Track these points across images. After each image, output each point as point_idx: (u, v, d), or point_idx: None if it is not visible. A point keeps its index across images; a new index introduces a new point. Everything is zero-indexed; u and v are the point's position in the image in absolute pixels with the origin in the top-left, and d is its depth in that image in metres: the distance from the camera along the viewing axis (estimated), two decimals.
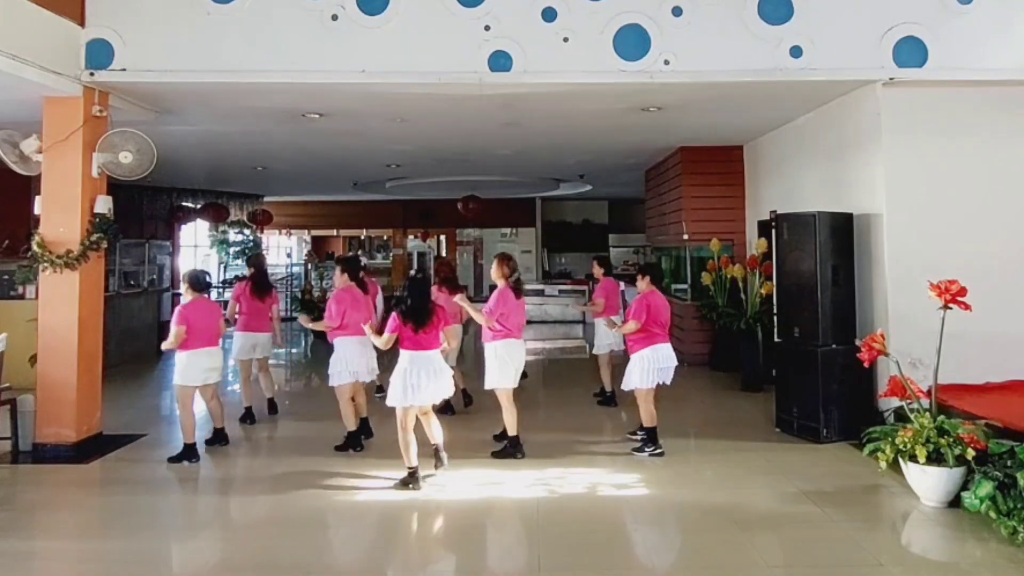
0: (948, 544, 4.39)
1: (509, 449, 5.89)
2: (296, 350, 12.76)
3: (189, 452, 5.89)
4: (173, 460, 5.86)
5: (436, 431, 5.50)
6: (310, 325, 6.55)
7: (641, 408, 6.02)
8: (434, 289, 6.80)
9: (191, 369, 5.89)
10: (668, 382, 6.09)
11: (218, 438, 6.32)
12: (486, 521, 4.79)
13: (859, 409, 6.15)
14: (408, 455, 5.18)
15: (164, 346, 5.92)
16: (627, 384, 6.08)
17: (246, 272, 8.39)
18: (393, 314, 5.28)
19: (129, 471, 5.74)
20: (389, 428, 6.00)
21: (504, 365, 5.89)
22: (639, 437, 6.16)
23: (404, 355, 5.22)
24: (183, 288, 6.22)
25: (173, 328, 5.79)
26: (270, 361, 7.87)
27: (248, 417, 7.18)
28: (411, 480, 5.18)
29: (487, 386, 6.02)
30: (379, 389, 7.36)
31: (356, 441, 6.16)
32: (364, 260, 9.90)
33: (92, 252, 6.00)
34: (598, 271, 8.13)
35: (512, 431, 5.92)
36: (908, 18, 6.05)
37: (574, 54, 6.06)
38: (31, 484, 5.52)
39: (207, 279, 6.32)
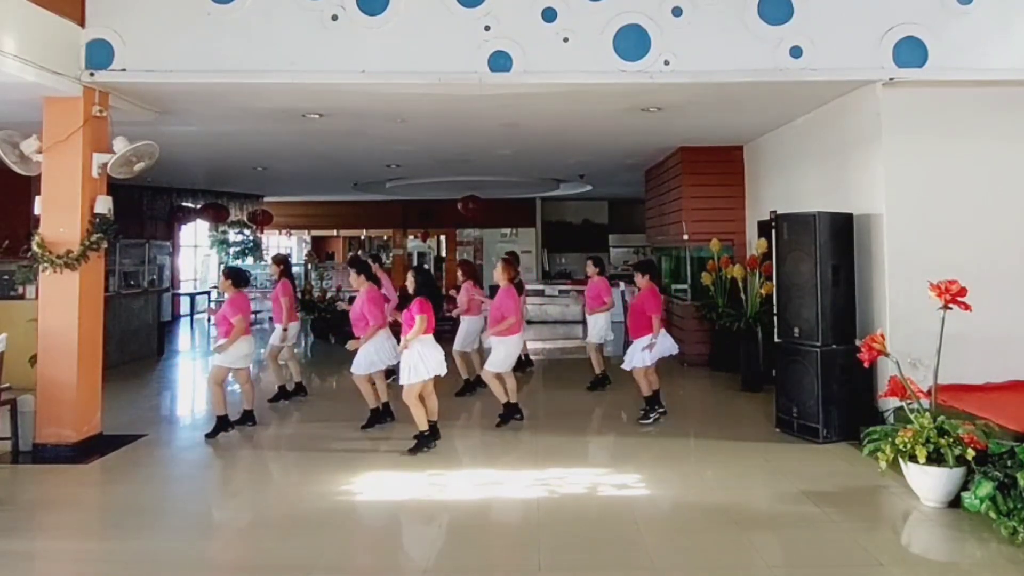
0: (948, 544, 4.39)
1: (507, 415, 6.77)
2: (297, 350, 12.76)
3: (223, 424, 6.59)
4: (210, 436, 6.48)
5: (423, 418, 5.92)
6: (359, 344, 6.72)
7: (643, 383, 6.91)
8: (468, 285, 8.18)
9: (234, 354, 6.61)
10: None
11: (247, 418, 6.82)
12: (486, 521, 4.79)
13: (859, 409, 6.15)
14: (421, 420, 5.93)
15: (224, 344, 6.54)
16: (634, 363, 6.88)
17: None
18: (422, 300, 5.89)
19: (129, 471, 5.74)
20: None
21: (511, 355, 6.78)
22: (653, 423, 6.86)
23: (421, 338, 5.83)
24: (225, 283, 6.82)
25: (238, 318, 6.53)
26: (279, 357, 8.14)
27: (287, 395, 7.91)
28: (432, 435, 5.99)
29: (495, 370, 6.68)
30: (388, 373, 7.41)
31: (387, 413, 6.78)
32: (383, 258, 10.53)
33: (92, 252, 6.00)
34: (592, 270, 8.81)
35: (514, 399, 6.83)
36: (908, 18, 6.05)
37: (574, 54, 6.06)
38: (31, 484, 5.52)
39: (247, 276, 7.14)
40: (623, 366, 7.02)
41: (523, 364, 9.07)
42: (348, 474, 5.51)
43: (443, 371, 5.96)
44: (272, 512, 4.91)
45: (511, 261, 7.24)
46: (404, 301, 6.06)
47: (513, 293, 6.88)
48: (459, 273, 8.46)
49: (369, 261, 7.86)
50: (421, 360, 5.79)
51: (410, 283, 6.02)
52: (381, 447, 6.16)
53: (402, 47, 6.01)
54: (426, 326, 5.85)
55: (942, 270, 5.21)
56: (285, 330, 7.88)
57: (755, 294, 8.66)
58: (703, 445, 6.39)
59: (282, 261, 8.47)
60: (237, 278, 6.89)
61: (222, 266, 16.29)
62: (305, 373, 10.67)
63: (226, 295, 6.86)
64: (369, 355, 6.58)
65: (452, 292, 8.70)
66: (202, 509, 5.19)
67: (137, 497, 5.16)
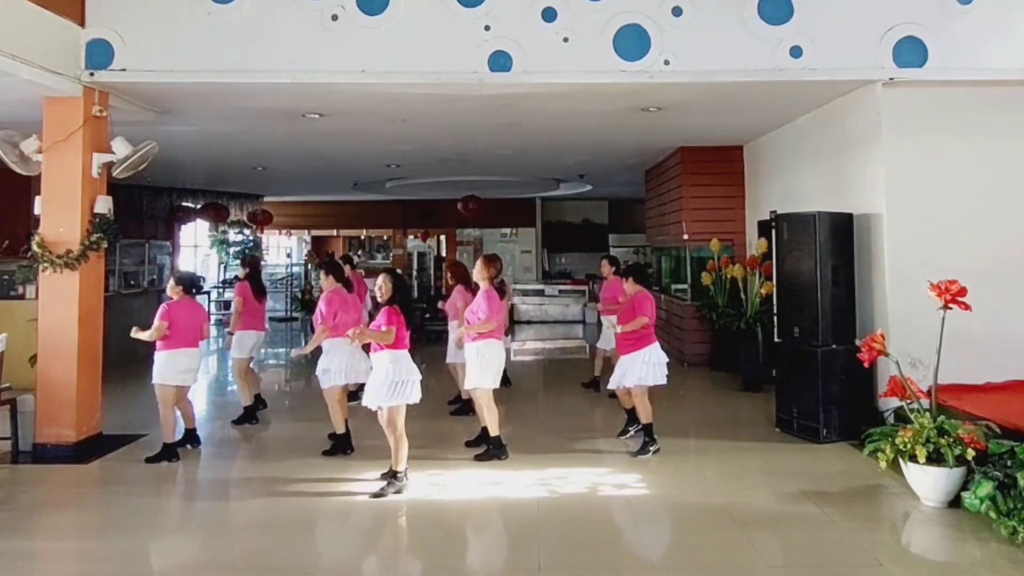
0: (948, 544, 4.39)
1: (493, 451, 5.82)
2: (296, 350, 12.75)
3: (169, 452, 5.85)
4: (151, 460, 5.81)
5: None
6: (303, 352, 6.27)
7: (641, 405, 6.01)
8: (461, 289, 7.13)
9: (169, 368, 5.89)
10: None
11: (189, 439, 6.20)
12: (486, 521, 4.80)
13: (859, 409, 6.15)
14: (403, 455, 5.15)
15: (140, 335, 5.86)
16: (631, 382, 5.98)
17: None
18: (392, 310, 5.07)
19: (129, 471, 5.73)
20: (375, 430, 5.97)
21: (486, 366, 5.78)
22: (634, 435, 6.26)
23: (391, 354, 5.03)
24: (170, 286, 6.16)
25: (156, 322, 5.83)
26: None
27: (249, 416, 7.11)
28: (398, 479, 5.11)
29: (467, 386, 5.94)
30: (352, 396, 6.66)
31: (347, 443, 6.06)
32: (355, 258, 9.83)
33: (92, 252, 6.00)
34: (608, 270, 8.15)
35: (494, 431, 5.84)
36: (908, 18, 6.05)
37: (574, 54, 6.05)
38: (31, 484, 5.52)
39: (198, 281, 6.30)
40: (619, 385, 6.10)
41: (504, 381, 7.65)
42: (348, 474, 5.51)
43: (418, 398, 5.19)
44: (272, 512, 4.90)
45: (492, 259, 6.20)
46: (378, 308, 5.25)
47: (493, 295, 5.89)
48: (447, 276, 7.53)
49: (340, 262, 7.20)
50: (405, 381, 5.04)
51: (382, 289, 5.17)
52: (379, 448, 6.14)
53: (402, 47, 6.01)
54: (393, 338, 4.99)
55: (942, 270, 5.21)
56: (229, 333, 7.26)
57: (755, 294, 8.66)
58: (703, 445, 6.38)
59: (250, 263, 7.68)
60: (188, 284, 6.21)
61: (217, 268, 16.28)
62: (303, 374, 10.69)
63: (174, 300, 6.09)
64: (331, 364, 5.97)
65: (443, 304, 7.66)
66: (201, 509, 5.19)
67: (136, 497, 5.16)
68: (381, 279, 5.20)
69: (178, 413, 6.15)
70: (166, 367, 5.89)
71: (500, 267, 6.16)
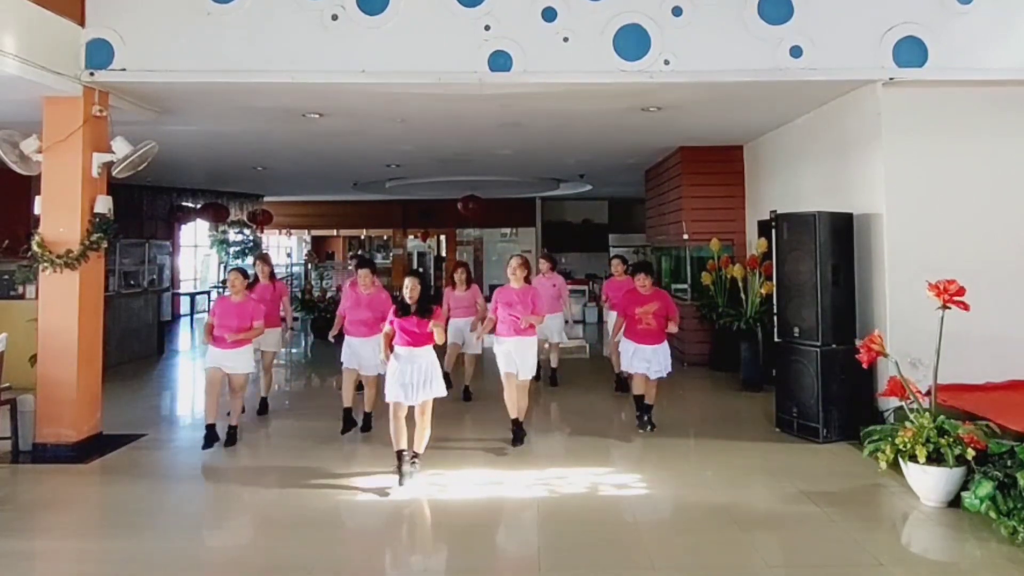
0: (948, 544, 4.39)
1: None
2: (296, 350, 12.76)
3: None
4: (229, 444, 6.27)
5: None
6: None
7: (654, 389, 6.73)
8: (476, 288, 8.28)
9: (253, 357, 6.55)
10: None
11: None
12: (486, 521, 4.79)
13: (859, 409, 6.15)
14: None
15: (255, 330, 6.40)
16: (666, 370, 6.67)
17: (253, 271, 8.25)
18: (439, 310, 5.62)
19: (129, 471, 5.73)
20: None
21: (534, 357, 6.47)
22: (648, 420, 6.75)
23: (433, 350, 5.57)
24: (240, 284, 6.48)
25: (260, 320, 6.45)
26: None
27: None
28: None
29: (527, 377, 6.31)
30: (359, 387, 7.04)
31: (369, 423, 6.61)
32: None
33: (92, 252, 6.00)
34: (620, 268, 8.57)
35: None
36: (908, 18, 6.05)
37: (574, 54, 6.06)
38: (31, 484, 5.51)
39: None
40: (658, 375, 6.63)
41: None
42: (348, 474, 5.51)
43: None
44: (272, 512, 4.91)
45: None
46: (402, 308, 5.46)
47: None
48: (464, 275, 8.11)
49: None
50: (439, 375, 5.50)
51: (411, 290, 5.42)
52: (380, 448, 6.15)
53: (402, 47, 6.01)
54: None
55: (942, 270, 5.22)
56: (292, 330, 7.81)
57: (755, 294, 8.66)
58: (703, 445, 6.38)
59: (270, 260, 7.96)
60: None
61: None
62: (305, 373, 10.71)
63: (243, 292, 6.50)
64: (377, 355, 6.25)
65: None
66: (202, 509, 5.19)
67: (137, 497, 5.16)
68: (410, 281, 5.47)
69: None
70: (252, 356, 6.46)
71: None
